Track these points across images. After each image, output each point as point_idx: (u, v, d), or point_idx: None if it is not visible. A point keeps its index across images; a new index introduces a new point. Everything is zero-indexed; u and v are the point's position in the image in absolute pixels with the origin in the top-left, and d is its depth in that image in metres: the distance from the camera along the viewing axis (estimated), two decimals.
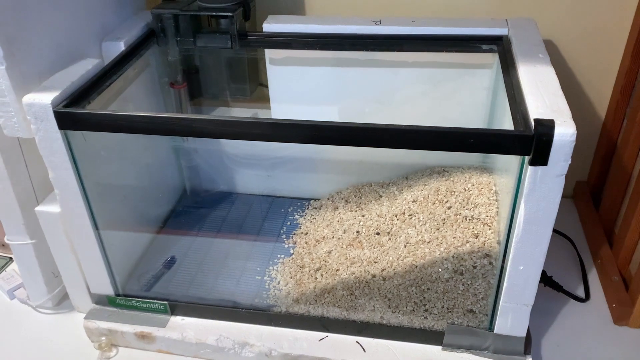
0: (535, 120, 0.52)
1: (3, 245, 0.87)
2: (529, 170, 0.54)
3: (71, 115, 0.60)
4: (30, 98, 0.60)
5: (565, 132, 0.51)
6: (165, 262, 0.82)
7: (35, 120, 0.61)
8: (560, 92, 0.58)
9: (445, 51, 0.76)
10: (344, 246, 0.78)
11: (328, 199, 0.89)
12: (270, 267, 0.80)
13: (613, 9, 0.82)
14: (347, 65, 0.81)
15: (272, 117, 0.85)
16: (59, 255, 0.74)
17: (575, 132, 0.51)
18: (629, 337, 0.74)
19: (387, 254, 0.73)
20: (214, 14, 0.77)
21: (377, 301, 0.71)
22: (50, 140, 0.62)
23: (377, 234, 0.77)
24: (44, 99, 0.60)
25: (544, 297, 0.76)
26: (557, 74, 0.62)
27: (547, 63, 0.64)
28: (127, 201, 0.79)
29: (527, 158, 0.54)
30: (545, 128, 0.51)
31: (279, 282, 0.77)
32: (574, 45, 0.85)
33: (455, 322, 0.68)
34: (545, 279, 0.77)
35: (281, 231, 0.87)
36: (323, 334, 0.71)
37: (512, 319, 0.65)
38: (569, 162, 0.53)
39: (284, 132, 0.58)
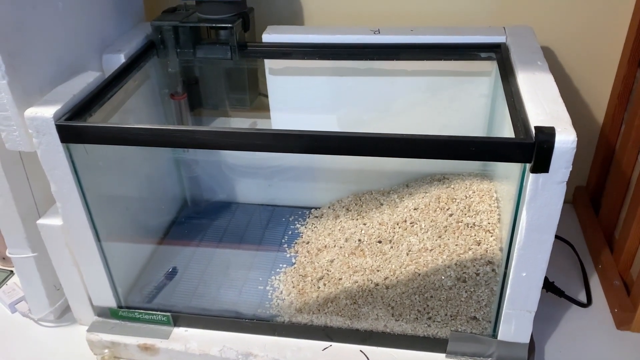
0: (535, 127, 0.53)
1: (4, 258, 0.86)
2: (531, 177, 0.54)
3: (73, 129, 0.60)
4: (32, 112, 0.60)
5: (566, 139, 0.52)
6: (167, 273, 0.82)
7: (37, 134, 0.61)
8: (560, 99, 0.58)
9: (444, 59, 0.76)
10: (346, 255, 0.78)
11: (329, 207, 0.90)
12: (273, 277, 0.80)
13: (609, 15, 0.82)
14: (346, 74, 0.81)
15: (273, 127, 0.85)
16: (61, 268, 0.73)
17: (576, 139, 0.52)
18: (632, 341, 0.74)
19: (390, 262, 0.74)
20: (214, 25, 0.77)
21: (380, 310, 0.71)
22: (52, 153, 0.62)
23: (379, 242, 0.77)
24: (46, 112, 0.60)
25: (546, 302, 0.76)
26: (554, 80, 0.62)
27: (545, 70, 0.64)
28: (128, 213, 0.79)
29: (528, 165, 0.54)
30: (546, 135, 0.52)
31: (281, 292, 0.77)
32: (571, 51, 0.86)
33: (459, 330, 0.68)
34: (547, 285, 0.78)
35: (282, 240, 0.87)
36: (327, 344, 0.71)
37: (516, 326, 0.65)
38: (570, 169, 0.53)
39: (286, 142, 0.58)
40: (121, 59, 0.74)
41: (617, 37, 0.84)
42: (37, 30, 0.63)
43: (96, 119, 0.65)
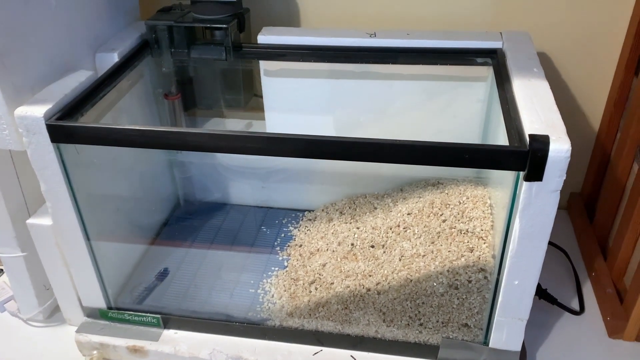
0: (530, 135, 0.52)
1: None
2: (524, 185, 0.54)
3: (64, 129, 0.60)
4: (22, 111, 0.59)
5: (560, 148, 0.51)
6: (158, 274, 0.81)
7: (27, 133, 0.60)
8: (555, 107, 0.58)
9: (440, 64, 0.76)
10: (339, 259, 0.77)
11: (322, 210, 0.89)
12: (265, 280, 0.79)
13: (607, 23, 0.82)
14: (341, 77, 0.80)
15: (267, 129, 0.85)
16: (51, 267, 0.73)
17: (570, 148, 0.51)
18: (624, 350, 0.74)
19: (382, 267, 0.73)
20: (209, 25, 0.77)
21: (371, 315, 0.70)
22: (43, 153, 0.61)
23: (372, 246, 0.77)
24: (37, 111, 0.59)
25: (539, 309, 0.76)
26: (550, 86, 0.62)
27: (541, 77, 0.64)
28: (119, 213, 0.79)
29: (522, 173, 0.54)
30: (540, 144, 0.51)
31: (273, 296, 0.76)
32: (568, 58, 0.86)
33: (450, 337, 0.68)
34: (540, 292, 0.77)
35: (275, 243, 0.86)
36: (317, 348, 0.71)
37: (507, 333, 0.65)
38: (564, 178, 0.53)
39: (278, 146, 0.58)
40: (115, 57, 0.73)
41: (614, 44, 0.83)
42: (29, 28, 0.62)
43: (88, 119, 0.64)
